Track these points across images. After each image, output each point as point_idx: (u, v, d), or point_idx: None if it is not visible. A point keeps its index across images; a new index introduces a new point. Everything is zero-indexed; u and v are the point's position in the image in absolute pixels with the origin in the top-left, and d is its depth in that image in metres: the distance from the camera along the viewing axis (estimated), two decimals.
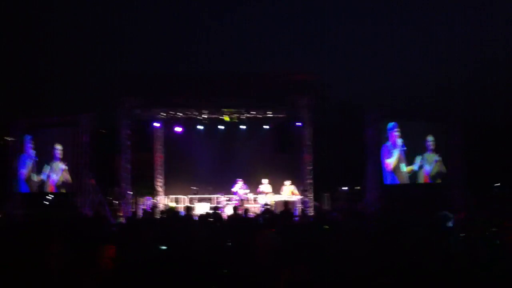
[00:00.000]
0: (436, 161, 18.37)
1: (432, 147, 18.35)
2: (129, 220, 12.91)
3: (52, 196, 17.93)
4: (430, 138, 18.34)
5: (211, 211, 14.01)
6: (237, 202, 17.21)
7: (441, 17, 14.16)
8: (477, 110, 17.84)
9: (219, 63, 17.16)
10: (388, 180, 18.07)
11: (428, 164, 18.33)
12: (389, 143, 18.04)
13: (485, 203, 16.19)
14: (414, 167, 18.17)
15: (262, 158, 18.97)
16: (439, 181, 18.41)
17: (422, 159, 18.30)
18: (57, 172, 17.69)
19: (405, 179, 18.18)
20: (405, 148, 18.06)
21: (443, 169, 18.45)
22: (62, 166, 17.63)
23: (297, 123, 18.33)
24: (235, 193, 17.79)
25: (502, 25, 14.05)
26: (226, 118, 18.33)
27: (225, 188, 18.00)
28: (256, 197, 17.92)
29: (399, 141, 18.01)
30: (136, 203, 17.67)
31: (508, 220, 11.04)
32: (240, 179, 17.94)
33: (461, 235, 9.65)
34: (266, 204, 15.81)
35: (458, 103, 17.70)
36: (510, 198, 16.81)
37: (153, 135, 19.60)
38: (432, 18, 14.23)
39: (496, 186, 18.59)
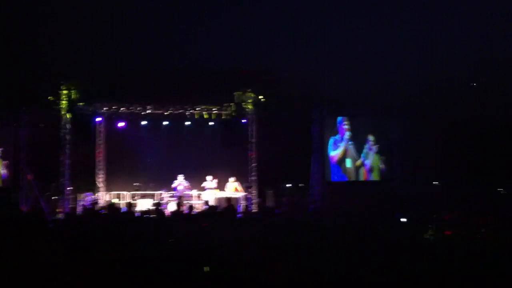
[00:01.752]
0: (375, 158, 18.84)
1: (372, 146, 18.80)
2: (68, 216, 12.57)
3: None
4: (370, 138, 18.80)
5: (153, 207, 13.80)
6: (176, 198, 17.01)
7: (392, 14, 14.45)
8: (421, 106, 18.29)
9: (165, 59, 16.79)
10: (335, 177, 18.43)
11: (368, 161, 18.77)
12: (338, 136, 18.42)
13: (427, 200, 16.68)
14: (358, 163, 18.61)
15: (207, 154, 18.83)
16: (377, 178, 18.86)
17: (365, 156, 18.74)
18: None
19: (351, 175, 18.57)
20: (351, 143, 18.46)
21: (382, 166, 18.92)
22: None
23: (242, 120, 18.35)
24: (174, 189, 17.59)
25: (455, 19, 14.47)
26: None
27: (169, 184, 17.79)
28: (200, 194, 17.81)
29: (347, 135, 18.42)
30: (75, 199, 17.23)
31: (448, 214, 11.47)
32: (181, 175, 17.76)
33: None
34: (206, 202, 15.72)
35: (404, 99, 18.14)
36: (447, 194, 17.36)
37: (95, 130, 19.10)
38: (384, 15, 14.53)
39: (435, 183, 19.15)
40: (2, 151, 17.53)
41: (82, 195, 17.38)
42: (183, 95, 17.72)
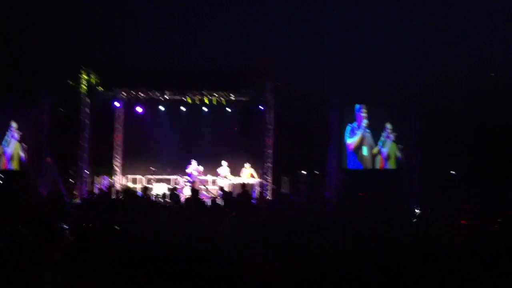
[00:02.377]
0: (392, 146, 18.74)
1: (390, 134, 18.68)
2: (84, 200, 12.75)
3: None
4: (388, 126, 18.67)
5: (168, 192, 13.94)
6: (190, 183, 17.13)
7: (410, 6, 14.27)
8: (438, 101, 18.12)
9: (184, 45, 16.82)
10: (351, 165, 18.39)
11: (385, 150, 18.68)
12: (355, 124, 18.37)
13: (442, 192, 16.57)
14: (375, 150, 18.55)
15: (223, 140, 18.91)
16: (393, 166, 18.76)
17: (382, 144, 18.64)
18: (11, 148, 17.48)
19: (367, 163, 18.51)
20: (368, 131, 18.39)
21: (400, 155, 18.81)
22: (16, 142, 17.46)
23: (260, 107, 18.36)
24: (189, 174, 17.71)
25: (471, 17, 14.27)
26: (188, 100, 18.16)
27: (184, 169, 17.92)
28: (215, 179, 17.92)
29: (364, 123, 18.35)
30: (92, 183, 17.47)
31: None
32: (194, 160, 17.86)
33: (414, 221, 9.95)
34: (221, 188, 15.81)
35: (420, 92, 17.97)
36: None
37: (113, 114, 19.26)
38: (401, 5, 14.33)
39: (452, 173, 18.98)
40: (21, 135, 17.77)
41: (99, 179, 17.60)
42: (201, 81, 17.78)
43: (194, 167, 17.75)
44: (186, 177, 17.62)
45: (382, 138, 18.71)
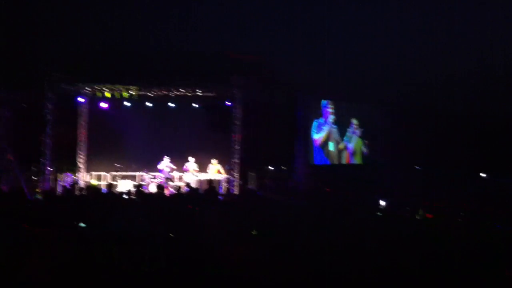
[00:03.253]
0: (357, 142, 18.93)
1: (356, 130, 18.85)
2: (46, 197, 12.44)
3: None
4: (354, 121, 18.85)
5: (133, 188, 13.73)
6: (161, 180, 16.99)
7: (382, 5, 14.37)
8: (404, 92, 18.34)
9: (151, 39, 16.57)
10: (318, 160, 18.48)
11: (351, 145, 18.85)
12: (321, 119, 18.47)
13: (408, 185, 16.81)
14: (341, 146, 18.69)
15: (190, 136, 18.75)
16: (359, 161, 18.96)
17: (348, 140, 18.80)
18: None
19: (334, 159, 18.64)
20: (335, 127, 18.52)
21: (365, 150, 19.01)
22: None
23: (227, 102, 18.26)
24: (160, 171, 17.55)
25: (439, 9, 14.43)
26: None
27: (150, 166, 17.71)
28: (182, 175, 17.77)
29: (331, 118, 18.47)
30: (56, 180, 17.11)
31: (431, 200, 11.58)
32: (167, 156, 17.69)
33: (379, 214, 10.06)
34: (188, 184, 15.69)
35: (386, 85, 18.18)
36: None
37: (77, 110, 18.90)
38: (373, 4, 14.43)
39: (417, 168, 19.28)
40: None
41: (62, 176, 17.26)
42: (167, 76, 17.58)
43: (166, 164, 17.55)
44: (154, 173, 17.45)
45: (348, 134, 18.88)
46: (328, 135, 18.63)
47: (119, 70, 17.20)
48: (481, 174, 17.55)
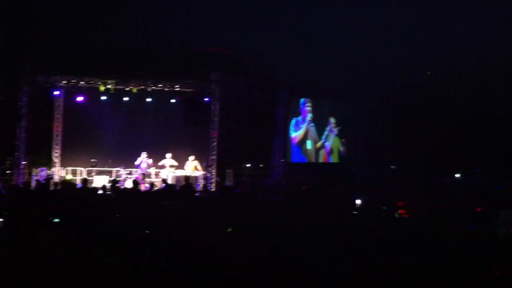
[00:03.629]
0: (335, 141, 19.05)
1: (334, 128, 18.96)
2: (20, 191, 12.28)
3: None
4: (332, 120, 18.95)
5: (109, 184, 13.62)
6: (138, 176, 16.86)
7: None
8: (383, 91, 18.45)
9: (130, 33, 16.35)
10: (296, 158, 18.54)
11: (328, 144, 18.95)
12: (300, 117, 18.52)
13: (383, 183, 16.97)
14: (318, 144, 18.78)
15: (167, 132, 18.62)
16: (336, 160, 19.08)
17: (325, 138, 18.90)
18: None
19: (311, 157, 18.71)
20: (312, 125, 18.59)
21: (343, 149, 19.13)
22: None
23: (205, 98, 18.19)
24: (138, 166, 17.41)
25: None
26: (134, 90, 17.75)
27: (127, 161, 17.55)
28: (159, 172, 17.66)
29: (309, 116, 18.53)
30: (30, 174, 16.87)
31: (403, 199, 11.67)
32: (144, 152, 17.54)
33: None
34: (164, 180, 15.60)
35: (365, 84, 18.30)
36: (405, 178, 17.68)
37: (53, 104, 18.61)
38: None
39: (392, 167, 19.44)
40: None
41: (37, 170, 17.02)
42: (145, 70, 17.43)
43: (143, 159, 17.40)
44: (130, 169, 17.33)
45: (325, 132, 18.97)
46: (306, 133, 18.70)
47: (96, 63, 16.97)
48: (456, 175, 17.77)
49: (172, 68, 17.33)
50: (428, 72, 18.74)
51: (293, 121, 18.61)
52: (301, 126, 18.63)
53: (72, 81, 17.74)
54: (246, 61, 17.20)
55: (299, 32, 16.56)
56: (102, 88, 17.57)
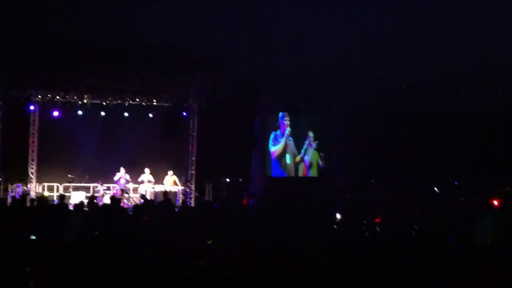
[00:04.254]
0: (314, 155, 19.10)
1: (312, 142, 19.02)
2: None
3: None
4: (310, 134, 19.01)
5: (86, 200, 13.40)
6: (116, 191, 16.66)
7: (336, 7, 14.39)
8: (361, 101, 18.52)
9: (105, 44, 16.08)
10: (275, 172, 18.53)
11: (307, 158, 18.99)
12: (278, 131, 18.56)
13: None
14: (297, 158, 18.81)
15: (145, 147, 18.44)
16: (315, 174, 19.12)
17: (304, 152, 18.94)
18: None
19: (290, 171, 18.73)
20: (291, 139, 18.63)
21: (321, 163, 19.19)
22: None
23: (182, 113, 18.13)
24: (116, 182, 17.19)
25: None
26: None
27: (104, 177, 17.35)
28: (137, 187, 17.48)
29: (288, 130, 18.57)
30: (6, 190, 16.56)
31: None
32: (122, 167, 17.35)
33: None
34: (143, 196, 15.45)
35: (344, 96, 18.39)
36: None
37: (28, 118, 18.32)
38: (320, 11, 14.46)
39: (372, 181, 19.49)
40: None
41: (13, 186, 16.71)
42: (121, 82, 17.28)
43: (121, 175, 17.19)
44: (108, 184, 17.13)
45: (304, 146, 19.02)
46: (285, 147, 18.73)
47: (72, 76, 16.76)
48: (435, 189, 17.84)
49: (149, 83, 17.23)
50: (403, 87, 18.90)
51: (272, 135, 18.64)
52: (280, 140, 18.67)
53: (48, 95, 17.51)
54: (224, 74, 17.15)
55: (277, 46, 16.55)
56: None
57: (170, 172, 17.61)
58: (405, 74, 17.78)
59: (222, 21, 15.10)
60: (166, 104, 18.27)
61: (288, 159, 18.76)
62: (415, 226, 9.76)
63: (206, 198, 17.49)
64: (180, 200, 16.86)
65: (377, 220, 10.22)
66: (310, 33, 15.36)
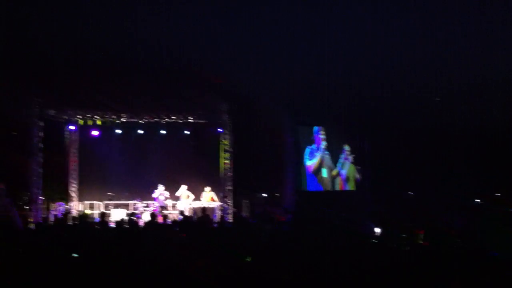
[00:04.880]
0: (351, 168, 18.97)
1: (348, 156, 18.90)
2: (39, 226, 12.31)
3: None
4: (346, 147, 18.90)
5: (126, 218, 13.62)
6: (155, 208, 16.86)
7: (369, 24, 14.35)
8: (392, 116, 18.37)
9: (141, 64, 16.36)
10: (311, 186, 18.46)
11: (344, 171, 18.86)
12: (314, 146, 18.49)
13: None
14: (334, 172, 18.69)
15: (182, 163, 18.66)
16: (353, 188, 18.96)
17: (341, 166, 18.82)
18: None
19: (327, 185, 18.62)
20: (327, 153, 18.54)
21: (358, 176, 19.03)
22: None
23: (218, 129, 18.29)
24: (155, 199, 17.41)
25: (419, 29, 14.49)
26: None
27: (143, 193, 17.60)
28: (175, 204, 17.65)
29: (323, 144, 18.50)
30: (48, 209, 16.93)
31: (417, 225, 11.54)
32: (161, 185, 17.58)
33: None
34: (182, 212, 15.59)
35: (371, 112, 18.27)
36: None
37: (68, 138, 18.80)
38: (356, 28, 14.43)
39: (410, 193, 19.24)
40: None
41: (55, 205, 17.09)
42: (156, 103, 17.57)
43: (160, 192, 17.42)
44: (147, 201, 17.35)
45: (341, 160, 18.90)
46: (321, 161, 18.64)
47: (110, 97, 17.12)
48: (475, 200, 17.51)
49: (184, 100, 17.45)
50: (437, 99, 18.66)
51: (308, 150, 18.59)
52: (316, 154, 18.60)
53: (87, 115, 17.94)
54: (255, 90, 17.22)
55: (309, 59, 16.54)
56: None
57: (208, 188, 17.74)
58: (432, 90, 17.61)
59: (250, 41, 15.23)
60: (201, 121, 18.47)
61: (324, 173, 18.66)
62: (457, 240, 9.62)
63: (243, 213, 17.53)
64: (218, 216, 16.94)
65: (421, 232, 10.09)
66: (340, 49, 15.34)
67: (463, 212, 15.08)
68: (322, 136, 18.74)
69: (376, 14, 13.68)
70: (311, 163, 18.53)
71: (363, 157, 19.27)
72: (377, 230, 11.09)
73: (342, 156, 18.99)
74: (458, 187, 17.80)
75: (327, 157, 18.76)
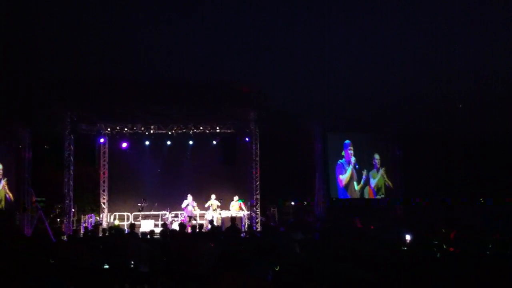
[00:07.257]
0: (381, 176, 18.78)
1: (378, 165, 18.74)
2: (71, 238, 12.49)
3: None
4: (376, 156, 18.73)
5: (160, 228, 13.76)
6: (184, 218, 16.96)
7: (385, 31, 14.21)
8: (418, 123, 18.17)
9: (167, 77, 16.55)
10: (341, 196, 18.37)
11: (373, 180, 18.69)
12: (343, 160, 18.38)
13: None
14: (362, 182, 18.55)
15: (210, 173, 18.78)
16: (382, 195, 18.76)
17: (369, 175, 18.66)
18: None
19: (357, 197, 18.54)
20: (357, 167, 18.45)
21: (388, 184, 18.83)
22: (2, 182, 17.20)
23: (245, 138, 18.36)
24: (184, 209, 17.52)
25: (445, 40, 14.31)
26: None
27: (172, 204, 17.72)
28: (204, 213, 17.74)
29: (353, 159, 18.41)
30: (79, 221, 17.20)
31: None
32: (189, 195, 17.70)
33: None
34: (211, 221, 15.65)
35: (398, 116, 18.08)
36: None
37: (98, 150, 19.10)
38: (377, 31, 14.29)
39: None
40: (2, 168, 17.49)
41: (86, 217, 17.35)
42: (185, 113, 17.70)
43: (189, 202, 17.55)
44: (176, 211, 17.49)
45: (373, 170, 18.75)
46: (352, 175, 18.52)
47: (138, 108, 17.31)
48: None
49: (211, 110, 17.54)
50: (460, 105, 18.38)
51: (338, 164, 18.48)
52: (347, 168, 18.49)
53: (116, 128, 18.21)
54: (282, 98, 17.19)
55: (336, 67, 16.48)
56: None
57: (236, 197, 17.79)
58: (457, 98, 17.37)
59: (276, 53, 15.27)
60: (229, 131, 18.56)
61: (356, 186, 18.56)
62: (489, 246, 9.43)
63: (272, 222, 17.50)
64: (246, 225, 16.96)
65: (452, 233, 9.92)
66: (369, 58, 15.27)
67: (503, 217, 14.83)
68: (351, 152, 18.60)
69: (414, 25, 13.58)
70: (342, 177, 18.43)
71: (394, 164, 19.06)
72: (408, 237, 10.95)
73: (373, 165, 18.83)
74: (492, 193, 17.49)
75: (358, 171, 18.64)
